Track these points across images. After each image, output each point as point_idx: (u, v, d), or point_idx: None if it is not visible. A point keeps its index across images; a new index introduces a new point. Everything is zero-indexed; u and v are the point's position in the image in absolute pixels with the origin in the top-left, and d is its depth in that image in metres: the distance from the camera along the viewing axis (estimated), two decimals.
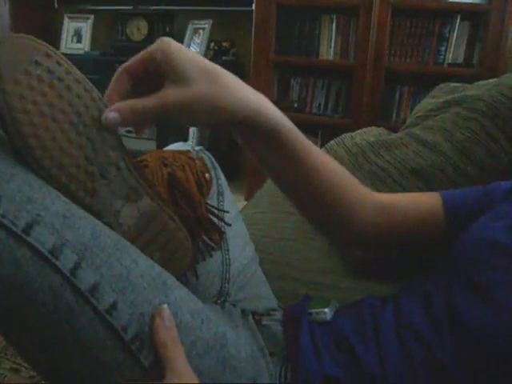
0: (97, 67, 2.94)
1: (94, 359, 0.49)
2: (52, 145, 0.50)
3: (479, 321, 0.55)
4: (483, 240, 0.62)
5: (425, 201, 0.73)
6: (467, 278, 0.60)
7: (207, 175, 0.76)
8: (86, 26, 3.41)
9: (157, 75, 0.55)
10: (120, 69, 0.55)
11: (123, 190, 0.57)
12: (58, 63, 0.51)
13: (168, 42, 0.55)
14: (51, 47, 0.51)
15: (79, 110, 0.52)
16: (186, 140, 3.08)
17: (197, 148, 0.81)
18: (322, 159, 0.67)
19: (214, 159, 0.82)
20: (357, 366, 0.60)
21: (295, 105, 2.83)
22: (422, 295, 0.64)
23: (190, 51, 0.55)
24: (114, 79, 0.56)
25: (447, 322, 0.58)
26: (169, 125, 3.20)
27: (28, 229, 0.47)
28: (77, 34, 3.45)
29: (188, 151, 0.79)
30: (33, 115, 0.49)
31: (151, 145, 3.13)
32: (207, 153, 0.83)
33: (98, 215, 0.54)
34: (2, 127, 0.50)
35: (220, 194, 0.79)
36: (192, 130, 3.19)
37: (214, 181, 0.78)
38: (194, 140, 3.01)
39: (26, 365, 1.47)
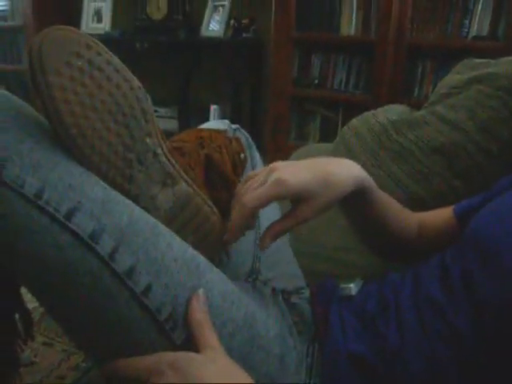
0: (117, 47, 2.94)
1: (130, 337, 0.53)
2: (92, 133, 0.53)
3: (491, 288, 0.57)
4: (495, 212, 0.66)
5: (441, 214, 0.83)
6: (479, 247, 0.63)
7: (242, 155, 0.78)
8: (106, 6, 3.41)
9: None
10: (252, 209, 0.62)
11: (160, 175, 0.59)
12: (99, 54, 0.53)
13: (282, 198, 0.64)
14: (92, 38, 0.53)
15: (118, 99, 0.54)
16: (207, 118, 3.10)
17: (233, 126, 0.83)
18: (387, 199, 0.78)
19: (249, 138, 0.84)
20: (380, 344, 0.62)
21: (316, 81, 2.81)
22: (439, 268, 0.67)
23: (294, 168, 0.66)
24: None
25: (463, 292, 0.60)
26: (189, 104, 3.22)
27: (69, 215, 0.50)
28: (97, 13, 3.46)
29: (225, 130, 0.80)
30: (74, 105, 0.51)
31: (174, 124, 3.15)
32: (243, 131, 0.85)
33: (135, 200, 0.57)
34: (45, 117, 0.52)
35: None
36: (213, 109, 3.21)
37: (249, 160, 0.80)
38: (216, 119, 3.03)
39: (58, 339, 1.53)
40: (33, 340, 0.70)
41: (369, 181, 0.71)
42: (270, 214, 0.81)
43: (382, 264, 0.92)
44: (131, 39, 3.13)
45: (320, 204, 0.64)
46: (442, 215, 0.82)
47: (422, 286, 0.66)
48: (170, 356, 0.51)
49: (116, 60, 0.55)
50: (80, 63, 0.52)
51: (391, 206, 0.79)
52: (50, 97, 0.50)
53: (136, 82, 0.56)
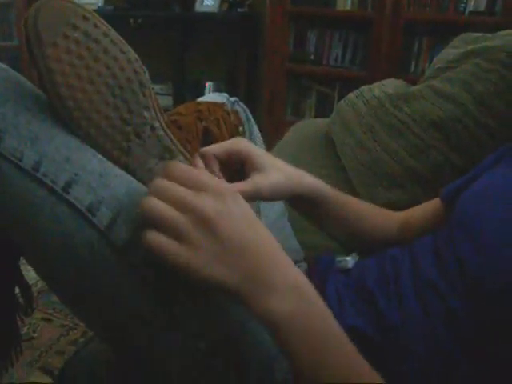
0: (111, 22, 2.88)
1: (128, 307, 0.53)
2: (89, 106, 0.53)
3: (480, 267, 0.58)
4: (479, 191, 0.68)
5: (430, 207, 0.83)
6: (466, 227, 0.63)
7: (241, 129, 0.77)
8: None
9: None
10: (207, 153, 0.62)
11: (157, 149, 0.59)
12: (95, 25, 0.53)
13: (248, 143, 0.68)
14: (88, 9, 0.53)
15: (115, 72, 0.54)
16: (202, 95, 3.08)
17: (232, 99, 0.83)
18: (352, 201, 0.81)
19: (248, 111, 0.84)
20: (378, 318, 0.63)
21: (312, 57, 2.79)
22: (433, 249, 0.67)
23: (258, 149, 0.69)
24: (203, 160, 0.62)
25: (456, 272, 0.60)
26: (184, 81, 3.19)
27: (67, 187, 0.50)
28: None
29: (223, 103, 0.80)
30: (70, 77, 0.51)
31: (168, 100, 3.13)
32: (242, 104, 0.85)
33: (132, 173, 0.57)
34: (41, 87, 0.52)
35: None
36: (208, 85, 3.19)
37: (247, 134, 0.80)
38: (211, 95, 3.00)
39: (57, 314, 1.54)
40: (33, 312, 0.70)
41: (324, 187, 0.76)
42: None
43: None
44: (125, 14, 3.09)
45: (271, 181, 0.66)
46: (428, 208, 0.83)
47: (419, 266, 0.66)
48: (229, 187, 0.51)
49: (113, 32, 0.55)
50: (76, 35, 0.51)
51: (359, 206, 0.82)
52: (47, 69, 0.50)
53: (133, 55, 0.56)
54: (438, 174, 1.01)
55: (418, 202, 0.87)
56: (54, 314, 1.55)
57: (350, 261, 0.74)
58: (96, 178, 0.52)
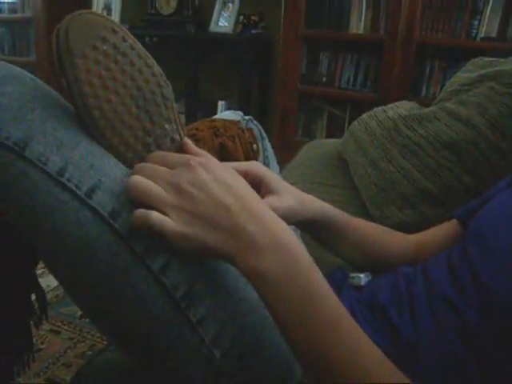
0: None
1: (147, 314, 0.54)
2: (113, 116, 0.54)
3: (496, 281, 0.58)
4: (494, 209, 0.69)
5: (444, 229, 0.83)
6: (481, 242, 0.64)
7: (255, 146, 0.79)
8: (115, 1, 3.43)
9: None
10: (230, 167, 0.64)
11: None
12: (124, 39, 0.54)
13: (264, 167, 0.71)
14: (117, 23, 0.54)
15: (140, 84, 0.56)
16: (215, 113, 3.11)
17: (246, 118, 0.84)
18: (364, 225, 0.83)
19: (262, 129, 0.85)
20: (392, 333, 0.63)
21: (324, 79, 2.82)
22: (447, 265, 0.68)
23: (273, 174, 0.71)
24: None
25: (472, 287, 0.61)
26: (197, 99, 3.23)
27: (90, 193, 0.51)
28: (106, 7, 3.48)
29: (238, 121, 0.81)
30: (97, 88, 0.52)
31: (181, 118, 3.16)
32: (256, 122, 0.86)
33: None
34: (69, 98, 0.53)
35: (266, 164, 0.82)
36: (221, 104, 3.22)
37: (261, 151, 0.81)
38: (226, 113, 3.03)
39: (65, 327, 1.54)
40: (47, 320, 0.71)
41: (331, 210, 0.77)
42: None
43: None
44: (140, 33, 3.14)
45: (287, 203, 0.69)
46: (442, 230, 0.83)
47: (433, 282, 0.67)
48: (202, 159, 0.54)
49: (139, 46, 0.56)
50: (105, 47, 0.53)
51: (371, 229, 0.83)
52: (76, 78, 0.51)
53: (158, 68, 0.58)
54: (451, 195, 1.01)
55: (431, 223, 0.87)
56: (63, 327, 1.55)
57: (363, 278, 0.74)
58: (118, 185, 0.53)
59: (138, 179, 0.52)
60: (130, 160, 0.57)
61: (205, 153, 0.60)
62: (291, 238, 0.52)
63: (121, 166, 0.55)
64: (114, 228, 0.51)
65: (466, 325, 0.59)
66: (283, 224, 0.53)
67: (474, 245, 0.65)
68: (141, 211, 0.51)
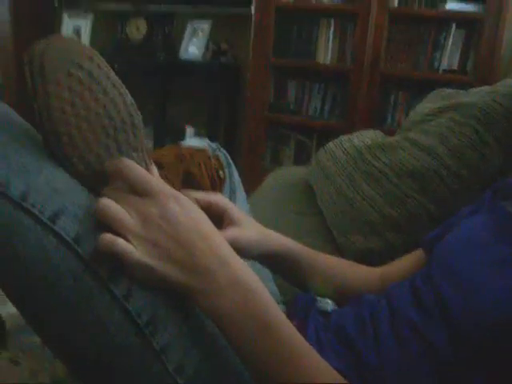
0: None
1: (110, 340, 0.53)
2: (82, 144, 0.54)
3: (460, 305, 0.59)
4: (457, 236, 0.71)
5: (409, 259, 0.85)
6: (447, 268, 0.66)
7: (221, 173, 0.79)
8: (85, 25, 3.42)
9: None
10: (189, 195, 0.63)
11: None
12: (99, 67, 0.54)
13: (226, 199, 0.72)
14: (94, 51, 0.54)
15: (112, 113, 0.55)
16: (183, 140, 3.11)
17: (213, 145, 0.84)
18: (327, 259, 0.84)
19: (229, 157, 0.86)
20: (357, 360, 0.63)
21: (291, 107, 2.86)
22: (411, 290, 0.68)
23: (236, 206, 0.73)
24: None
25: (437, 311, 0.62)
26: (165, 125, 3.23)
27: (54, 218, 0.50)
28: (76, 31, 3.46)
29: (205, 148, 0.82)
30: (69, 116, 0.52)
31: (149, 144, 3.15)
32: (223, 150, 0.86)
33: None
34: (38, 122, 0.53)
35: (232, 191, 0.82)
36: (189, 131, 3.22)
37: (228, 179, 0.81)
38: (193, 140, 3.03)
39: (24, 357, 1.49)
40: (5, 348, 0.68)
41: (292, 245, 0.79)
42: None
43: None
44: (109, 59, 3.12)
45: (248, 235, 0.71)
46: (408, 260, 0.85)
47: (397, 307, 0.67)
48: (174, 191, 0.54)
49: (113, 74, 0.56)
50: (80, 74, 0.53)
51: (336, 263, 0.85)
52: (47, 104, 0.51)
53: (129, 98, 0.58)
54: (415, 222, 1.03)
55: (396, 250, 0.89)
56: (22, 356, 1.50)
57: (330, 304, 0.75)
58: (83, 211, 0.52)
59: (108, 203, 0.51)
60: (96, 186, 0.57)
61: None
62: (249, 275, 0.54)
63: (86, 191, 0.55)
64: (78, 253, 0.51)
65: (431, 347, 0.59)
66: (241, 261, 0.54)
67: (438, 269, 0.67)
68: (106, 237, 0.50)
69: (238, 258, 0.54)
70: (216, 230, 0.56)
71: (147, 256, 0.51)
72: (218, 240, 0.54)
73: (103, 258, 0.51)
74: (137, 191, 0.53)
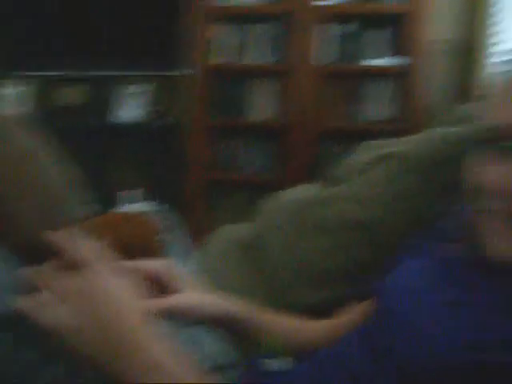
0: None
1: None
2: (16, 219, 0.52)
3: (407, 351, 0.60)
4: (401, 282, 0.73)
5: (358, 310, 0.85)
6: (388, 314, 0.67)
7: (160, 237, 0.78)
8: (15, 92, 3.36)
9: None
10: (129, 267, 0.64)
11: None
12: (30, 139, 0.54)
13: (167, 264, 0.72)
14: (24, 121, 0.54)
15: (45, 186, 0.55)
16: (122, 204, 3.06)
17: (157, 208, 0.83)
18: (276, 318, 0.83)
19: (172, 218, 0.85)
20: None
21: (230, 165, 2.89)
22: (359, 340, 0.69)
23: (177, 271, 0.73)
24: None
25: (387, 359, 0.62)
26: (101, 189, 3.17)
27: None
28: (5, 95, 3.38)
29: (143, 212, 0.81)
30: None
31: (84, 212, 3.07)
32: (165, 211, 0.86)
33: None
34: None
35: (176, 253, 0.81)
36: (125, 194, 3.16)
37: (170, 241, 0.80)
38: (130, 203, 2.99)
39: None
40: None
41: (236, 309, 0.77)
42: None
43: None
44: (45, 123, 3.07)
45: (193, 301, 0.71)
46: (357, 310, 0.85)
47: (347, 359, 0.67)
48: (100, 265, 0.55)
49: (46, 144, 0.56)
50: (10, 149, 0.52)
51: (285, 322, 0.84)
52: None
53: (62, 168, 0.57)
54: (364, 270, 1.04)
55: (346, 300, 0.88)
56: None
57: (274, 363, 0.75)
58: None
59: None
60: (32, 259, 0.55)
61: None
62: (164, 357, 0.54)
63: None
64: None
65: None
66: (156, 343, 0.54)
67: (382, 317, 0.68)
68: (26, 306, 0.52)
69: (152, 339, 0.54)
70: (135, 305, 0.56)
71: (67, 334, 0.51)
72: (133, 321, 0.54)
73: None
74: (68, 264, 0.54)
